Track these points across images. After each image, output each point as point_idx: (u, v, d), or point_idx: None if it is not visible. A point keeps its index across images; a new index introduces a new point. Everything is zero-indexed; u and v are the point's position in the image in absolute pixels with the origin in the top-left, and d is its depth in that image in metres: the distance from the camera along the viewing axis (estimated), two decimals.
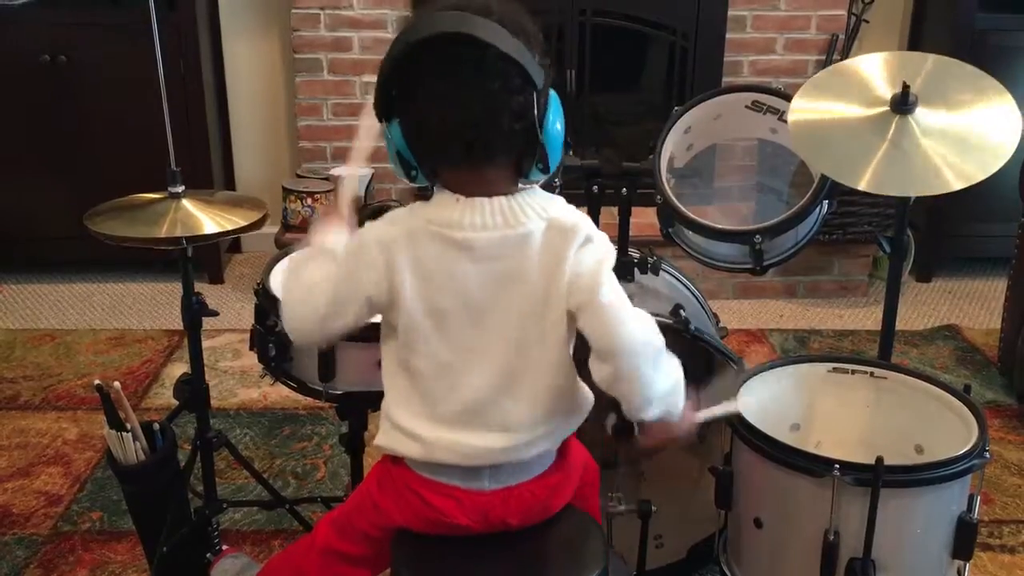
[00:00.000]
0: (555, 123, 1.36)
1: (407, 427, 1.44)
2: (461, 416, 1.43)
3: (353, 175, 1.54)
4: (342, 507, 1.59)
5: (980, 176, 1.73)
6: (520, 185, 1.40)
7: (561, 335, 1.41)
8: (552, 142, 1.36)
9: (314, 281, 1.41)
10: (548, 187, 1.97)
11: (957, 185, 1.73)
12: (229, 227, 1.87)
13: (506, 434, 1.43)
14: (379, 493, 1.51)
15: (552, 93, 1.36)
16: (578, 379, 1.50)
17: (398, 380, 1.46)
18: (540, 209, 1.39)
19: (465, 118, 1.32)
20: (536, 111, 1.33)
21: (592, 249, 1.39)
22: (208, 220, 1.87)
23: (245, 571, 2.06)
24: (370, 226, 1.43)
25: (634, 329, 1.38)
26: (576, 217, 1.41)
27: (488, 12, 1.31)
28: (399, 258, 1.38)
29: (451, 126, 1.33)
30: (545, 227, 1.38)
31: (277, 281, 1.93)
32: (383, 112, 1.37)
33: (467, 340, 1.41)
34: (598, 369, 1.40)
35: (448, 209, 1.38)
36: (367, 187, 3.60)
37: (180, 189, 1.91)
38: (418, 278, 1.38)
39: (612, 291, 1.39)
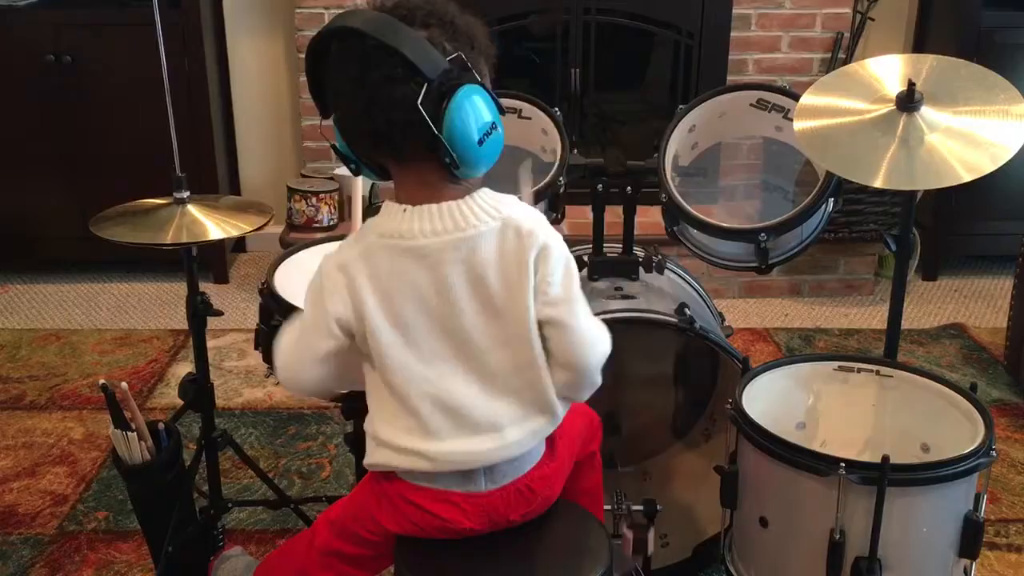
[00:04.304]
0: (462, 120, 1.29)
1: (397, 443, 1.43)
2: (448, 423, 1.42)
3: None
4: (340, 510, 1.57)
5: (990, 167, 1.72)
6: (466, 187, 1.38)
7: (529, 333, 1.40)
8: (459, 140, 1.30)
9: (294, 348, 1.45)
10: (553, 186, 2.00)
11: (967, 177, 1.73)
12: (234, 233, 1.89)
13: (495, 434, 1.42)
14: (376, 508, 1.50)
15: (469, 90, 1.30)
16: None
17: (381, 398, 1.45)
18: (492, 210, 1.38)
19: (362, 110, 1.33)
20: (428, 104, 1.28)
21: (555, 257, 1.38)
22: (213, 226, 1.88)
23: (247, 571, 2.06)
24: (327, 256, 1.43)
25: (601, 349, 1.43)
26: (531, 219, 1.40)
27: (398, 5, 1.32)
28: (359, 280, 1.38)
29: (356, 121, 1.35)
30: (500, 227, 1.37)
31: (282, 280, 1.93)
32: (321, 111, 1.40)
33: (437, 348, 1.40)
34: (556, 374, 1.42)
35: (396, 220, 1.39)
36: (372, 187, 3.60)
37: (185, 195, 1.92)
38: (379, 295, 1.38)
39: (583, 308, 1.41)
